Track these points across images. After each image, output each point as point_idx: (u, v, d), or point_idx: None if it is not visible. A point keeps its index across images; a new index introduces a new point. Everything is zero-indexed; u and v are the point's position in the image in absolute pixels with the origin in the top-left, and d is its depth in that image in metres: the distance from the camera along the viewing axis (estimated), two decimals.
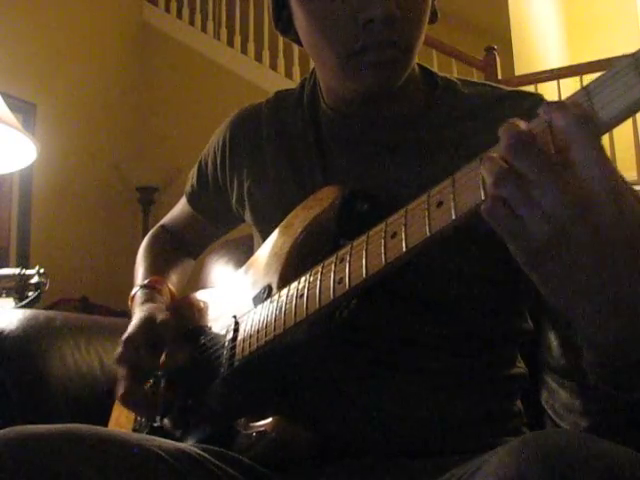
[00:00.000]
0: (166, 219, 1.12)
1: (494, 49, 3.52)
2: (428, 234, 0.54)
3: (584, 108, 0.46)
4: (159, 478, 0.60)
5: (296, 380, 0.73)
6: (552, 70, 3.72)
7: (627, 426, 0.56)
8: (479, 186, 0.51)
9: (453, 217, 0.52)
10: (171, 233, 1.10)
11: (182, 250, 1.10)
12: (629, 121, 3.33)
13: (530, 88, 3.30)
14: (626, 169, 3.56)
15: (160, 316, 0.84)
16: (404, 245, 0.57)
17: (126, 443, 0.60)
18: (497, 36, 3.87)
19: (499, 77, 3.45)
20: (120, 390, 0.78)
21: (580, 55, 4.36)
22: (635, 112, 0.45)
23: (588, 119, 0.45)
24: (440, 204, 0.54)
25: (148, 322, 0.82)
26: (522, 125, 0.48)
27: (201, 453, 0.66)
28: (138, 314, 0.85)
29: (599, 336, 0.51)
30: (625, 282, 0.47)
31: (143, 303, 0.89)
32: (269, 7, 0.83)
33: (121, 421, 0.92)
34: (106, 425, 0.94)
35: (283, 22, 0.81)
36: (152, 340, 0.81)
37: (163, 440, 0.66)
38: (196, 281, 1.42)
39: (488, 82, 0.86)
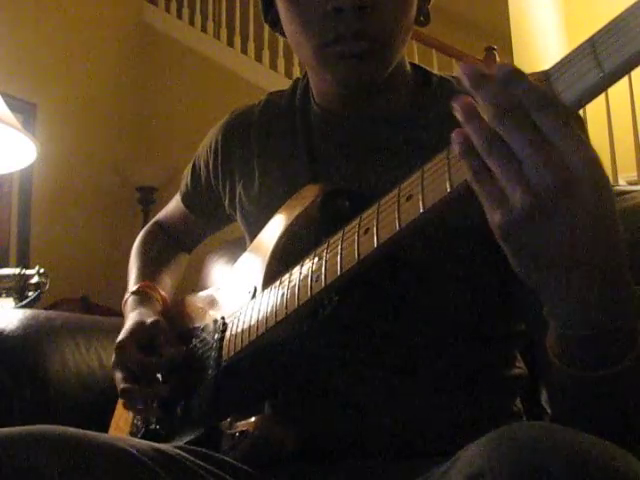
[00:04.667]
0: (160, 215, 1.13)
1: (494, 49, 3.51)
2: (398, 228, 0.54)
3: (545, 85, 0.45)
4: (132, 478, 0.59)
5: (283, 379, 0.73)
6: None
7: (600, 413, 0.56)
8: (446, 179, 0.50)
9: (421, 210, 0.52)
10: (165, 229, 1.11)
11: (176, 245, 1.10)
12: (629, 121, 3.33)
13: None
14: (626, 169, 3.55)
15: (149, 319, 0.85)
16: (375, 240, 0.56)
17: (97, 443, 0.59)
18: (497, 36, 3.86)
19: None
20: (121, 396, 0.80)
21: None
22: (593, 97, 0.44)
23: (548, 96, 0.45)
24: (409, 197, 0.54)
25: (138, 326, 0.84)
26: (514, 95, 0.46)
27: (181, 453, 0.66)
28: (128, 320, 0.87)
29: (562, 306, 0.51)
30: (594, 257, 0.47)
31: (134, 309, 0.90)
32: (259, 3, 0.83)
33: (120, 424, 0.92)
34: (107, 427, 0.94)
35: (272, 16, 0.82)
36: (143, 341, 0.82)
37: (138, 440, 0.66)
38: (196, 281, 1.42)
39: None
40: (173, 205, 1.09)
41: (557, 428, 0.47)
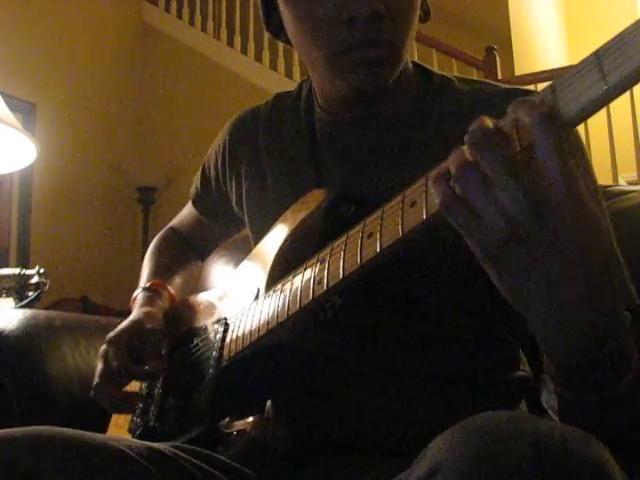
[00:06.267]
0: (174, 221, 1.13)
1: (494, 49, 3.51)
2: (401, 234, 0.54)
3: (549, 106, 0.46)
4: (128, 477, 0.59)
5: (283, 380, 0.73)
6: (552, 70, 3.72)
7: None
8: None
9: (424, 217, 0.52)
10: (179, 235, 1.11)
11: (190, 252, 1.10)
12: (629, 121, 3.33)
13: (530, 88, 3.30)
14: (626, 169, 3.55)
15: (150, 323, 0.85)
16: (378, 245, 0.57)
17: (92, 443, 0.59)
18: (497, 36, 3.87)
19: (499, 77, 3.45)
20: (92, 387, 0.80)
21: (580, 55, 4.32)
22: (597, 109, 0.45)
23: (551, 118, 0.45)
24: (413, 204, 0.54)
25: (136, 326, 0.84)
26: (489, 121, 0.48)
27: (177, 452, 0.66)
28: (131, 316, 0.87)
29: (553, 336, 0.51)
30: (579, 286, 0.48)
31: (142, 306, 0.90)
32: (259, 9, 0.83)
33: (120, 422, 0.92)
34: (107, 426, 0.94)
35: (274, 24, 0.81)
36: (134, 344, 0.82)
37: (133, 440, 0.66)
38: (195, 281, 1.42)
39: (487, 80, 0.85)
40: (186, 210, 1.09)
41: (520, 416, 0.47)
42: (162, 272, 1.01)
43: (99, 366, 0.81)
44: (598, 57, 0.44)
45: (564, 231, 0.46)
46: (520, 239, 0.46)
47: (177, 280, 1.02)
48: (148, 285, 0.96)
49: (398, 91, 0.79)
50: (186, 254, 1.09)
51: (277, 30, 0.81)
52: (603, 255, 0.49)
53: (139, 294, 0.95)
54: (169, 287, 0.97)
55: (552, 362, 0.54)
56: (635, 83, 0.43)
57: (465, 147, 0.48)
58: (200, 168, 1.02)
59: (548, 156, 0.45)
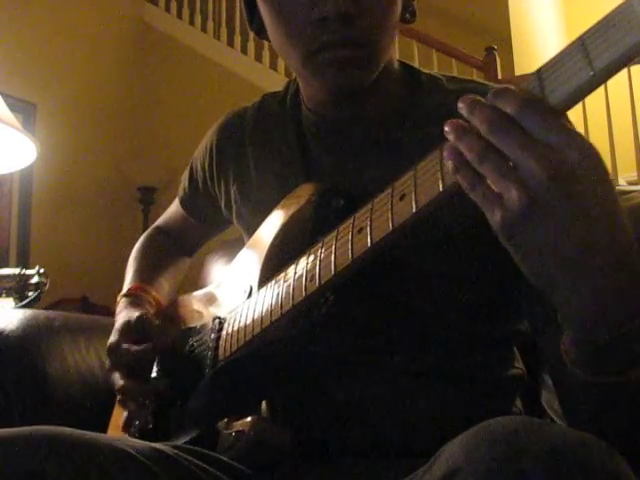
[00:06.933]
0: (160, 220, 1.13)
1: (494, 49, 3.51)
2: (391, 228, 0.54)
3: (527, 92, 0.46)
4: (131, 477, 0.60)
5: (279, 379, 0.73)
6: None
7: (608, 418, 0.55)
8: (438, 178, 0.50)
9: (414, 210, 0.52)
10: (165, 233, 1.11)
11: (176, 250, 1.10)
12: (629, 121, 3.32)
13: None
14: (626, 169, 3.55)
15: (135, 314, 0.85)
16: (369, 240, 0.57)
17: (95, 443, 0.60)
18: (497, 36, 3.86)
19: (499, 77, 3.45)
20: (118, 394, 0.81)
21: None
22: (584, 96, 0.44)
23: (530, 105, 0.45)
24: (403, 197, 0.54)
25: (125, 325, 0.85)
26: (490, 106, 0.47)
27: (179, 452, 0.66)
28: (116, 323, 0.88)
29: (576, 309, 0.50)
30: (602, 255, 0.47)
31: (121, 311, 0.91)
32: (242, 9, 0.83)
33: (120, 423, 0.92)
34: (107, 427, 0.94)
35: (256, 23, 0.82)
36: (132, 338, 0.83)
37: (136, 440, 0.66)
38: (195, 281, 1.42)
39: (476, 79, 0.86)
40: (173, 210, 1.09)
41: (536, 422, 0.47)
42: (146, 275, 1.01)
43: (115, 375, 0.81)
44: (583, 43, 0.43)
45: (581, 197, 0.45)
46: (542, 210, 0.45)
47: (162, 282, 1.02)
48: (127, 291, 0.96)
49: (383, 91, 0.78)
50: (172, 253, 1.09)
51: (260, 29, 0.82)
52: (623, 221, 0.48)
53: (120, 300, 0.95)
54: (152, 291, 0.97)
55: (572, 339, 0.52)
56: (622, 68, 0.42)
57: (472, 130, 0.47)
58: (187, 168, 1.02)
59: (545, 138, 0.45)
